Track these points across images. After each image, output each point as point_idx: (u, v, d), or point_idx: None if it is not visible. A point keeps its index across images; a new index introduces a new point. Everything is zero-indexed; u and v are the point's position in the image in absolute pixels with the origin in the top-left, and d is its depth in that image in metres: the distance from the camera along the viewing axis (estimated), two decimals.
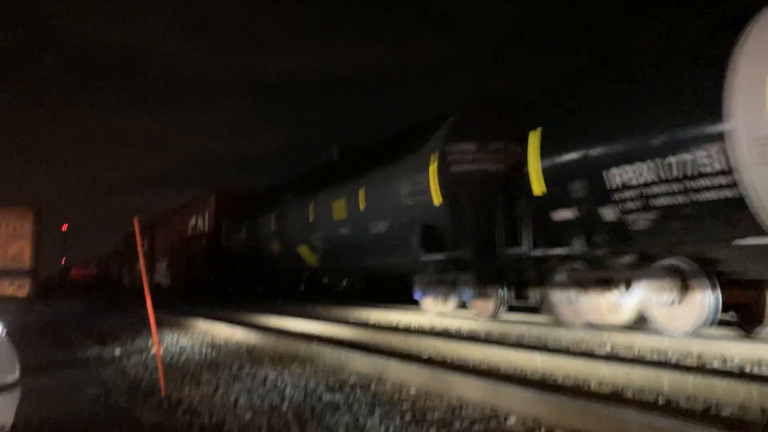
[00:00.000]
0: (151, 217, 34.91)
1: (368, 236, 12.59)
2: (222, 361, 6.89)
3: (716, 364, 6.07)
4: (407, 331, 9.99)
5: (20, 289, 19.30)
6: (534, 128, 9.01)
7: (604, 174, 7.70)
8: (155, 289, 30.83)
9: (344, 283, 17.72)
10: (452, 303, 11.21)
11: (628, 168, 7.36)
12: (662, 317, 7.65)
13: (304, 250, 15.79)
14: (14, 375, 3.48)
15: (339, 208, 13.61)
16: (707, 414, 4.19)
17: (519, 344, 7.82)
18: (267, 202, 18.37)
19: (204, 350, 7.97)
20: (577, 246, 8.42)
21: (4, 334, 3.65)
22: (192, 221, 25.51)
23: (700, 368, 5.89)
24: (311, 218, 14.95)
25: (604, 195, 7.78)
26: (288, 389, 5.14)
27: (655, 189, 7.08)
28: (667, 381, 4.77)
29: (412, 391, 4.96)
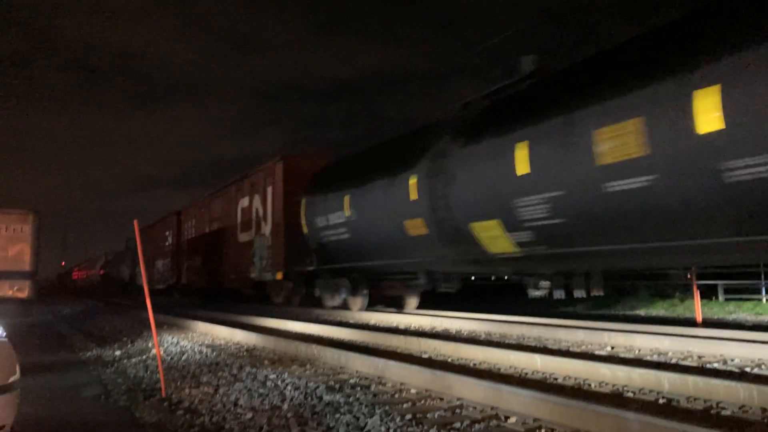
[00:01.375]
0: (180, 204, 28.05)
1: (721, 187, 6.19)
2: (222, 362, 6.89)
3: (716, 365, 6.07)
4: (407, 332, 9.99)
5: (20, 291, 19.27)
6: None
7: None
8: (183, 290, 26.72)
9: (542, 285, 10.18)
10: None
11: None
12: None
13: (488, 230, 9.36)
14: (14, 376, 3.48)
15: (615, 141, 7.10)
16: (708, 414, 4.19)
17: (519, 345, 7.83)
18: (396, 159, 11.69)
19: (204, 351, 7.97)
20: None
21: (4, 335, 3.65)
22: (242, 203, 19.29)
23: (701, 369, 5.90)
24: (522, 170, 8.33)
25: None
26: (288, 389, 5.14)
27: None
28: (667, 382, 4.77)
29: (413, 392, 4.96)
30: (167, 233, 29.07)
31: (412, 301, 14.63)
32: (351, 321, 12.82)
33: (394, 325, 11.60)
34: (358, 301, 14.38)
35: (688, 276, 8.72)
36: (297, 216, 15.42)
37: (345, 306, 14.63)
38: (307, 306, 15.94)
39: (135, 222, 6.25)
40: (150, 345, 8.88)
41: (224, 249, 20.69)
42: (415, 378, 5.15)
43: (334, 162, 15.22)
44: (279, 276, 16.38)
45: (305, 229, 14.96)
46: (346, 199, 13.05)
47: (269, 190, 17.28)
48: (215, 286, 22.07)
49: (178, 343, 9.07)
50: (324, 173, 15.03)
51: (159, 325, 11.82)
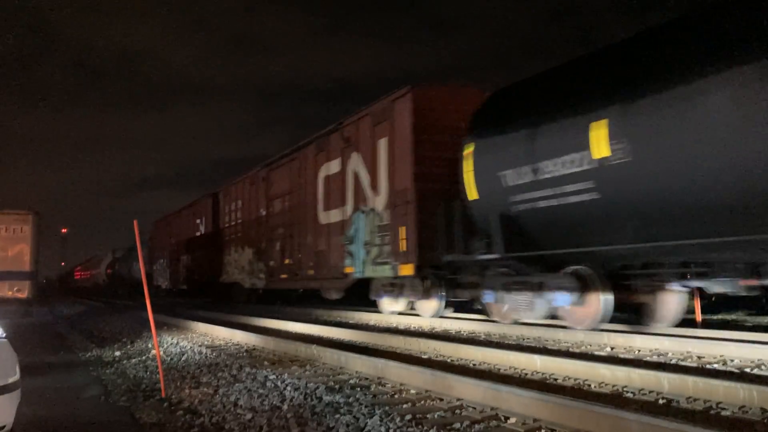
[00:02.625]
0: (220, 183, 22.48)
1: None
2: (222, 363, 6.89)
3: (716, 366, 6.07)
4: (407, 332, 9.99)
5: (20, 291, 19.29)
6: None
7: None
8: (222, 291, 21.73)
9: None
10: None
11: None
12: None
13: None
14: (14, 376, 3.48)
15: None
16: (707, 415, 4.19)
17: (519, 346, 7.83)
18: None
19: (204, 352, 7.98)
20: None
21: (4, 336, 3.65)
22: (327, 168, 13.99)
23: (700, 369, 5.90)
24: None
25: None
26: (288, 390, 5.14)
27: None
28: (667, 382, 4.78)
29: (413, 392, 4.96)
30: (198, 221, 23.88)
31: (673, 309, 8.69)
32: (351, 321, 12.81)
33: (394, 325, 11.60)
34: (588, 312, 8.51)
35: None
36: (437, 178, 10.71)
37: (550, 319, 9.44)
38: (452, 317, 11.30)
39: (135, 222, 6.25)
40: (150, 345, 8.89)
41: (294, 235, 15.48)
42: (415, 378, 5.15)
43: (540, 74, 9.07)
44: (406, 270, 10.92)
45: (473, 194, 9.43)
46: (597, 127, 7.40)
47: (382, 142, 11.81)
48: (277, 285, 16.95)
49: (177, 343, 9.07)
50: (516, 95, 9.29)
51: (159, 326, 11.82)
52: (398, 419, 4.05)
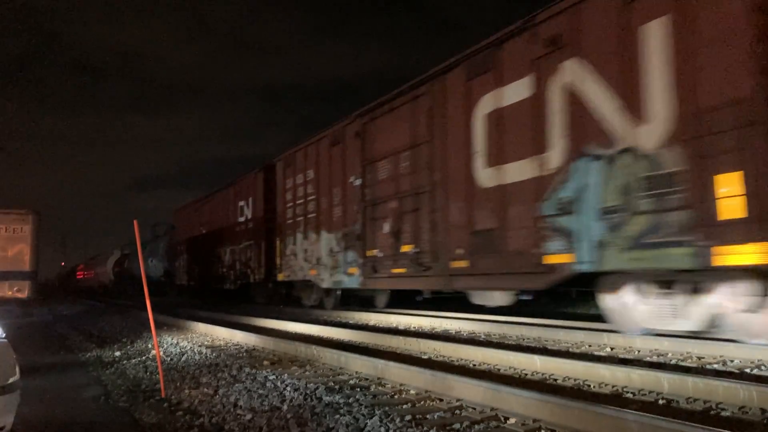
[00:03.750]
0: (277, 154, 16.73)
1: None
2: (222, 363, 6.89)
3: (716, 366, 6.07)
4: (407, 333, 9.99)
5: (20, 291, 19.30)
6: None
7: None
8: (276, 290, 17.71)
9: None
10: None
11: None
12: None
13: None
14: (14, 376, 3.48)
15: None
16: (707, 415, 4.19)
17: (519, 346, 7.83)
18: None
19: (204, 352, 7.97)
20: None
21: (3, 336, 3.65)
22: (502, 94, 8.84)
23: (700, 369, 5.90)
24: None
25: None
26: (288, 390, 5.14)
27: None
28: (666, 382, 4.78)
29: (412, 393, 4.96)
30: (242, 204, 19.44)
31: None
32: (351, 321, 12.80)
33: (394, 325, 11.59)
34: None
35: None
36: None
37: None
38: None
39: (135, 222, 6.24)
40: (149, 346, 8.89)
41: (422, 209, 10.49)
42: (414, 379, 5.15)
43: None
44: (742, 257, 5.83)
45: None
46: None
47: (653, 28, 6.77)
48: (385, 285, 12.11)
49: (177, 344, 9.07)
50: None
51: (158, 326, 11.83)
52: (398, 420, 4.05)
